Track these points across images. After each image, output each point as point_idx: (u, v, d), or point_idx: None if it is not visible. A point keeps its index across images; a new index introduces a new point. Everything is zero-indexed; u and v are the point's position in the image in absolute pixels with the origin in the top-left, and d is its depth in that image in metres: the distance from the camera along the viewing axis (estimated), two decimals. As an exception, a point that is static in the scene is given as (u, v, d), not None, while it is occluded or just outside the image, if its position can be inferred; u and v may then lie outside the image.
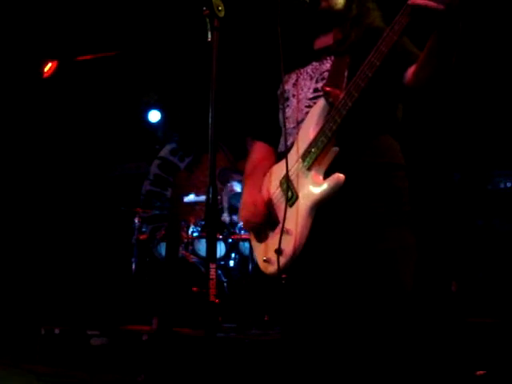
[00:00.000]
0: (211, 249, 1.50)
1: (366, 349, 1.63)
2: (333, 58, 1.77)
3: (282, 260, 1.69)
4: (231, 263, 4.99)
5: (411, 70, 1.63)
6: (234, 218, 5.01)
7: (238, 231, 4.95)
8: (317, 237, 1.67)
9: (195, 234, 5.11)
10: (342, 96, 1.63)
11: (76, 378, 3.93)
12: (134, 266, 5.16)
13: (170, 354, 3.87)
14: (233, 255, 4.98)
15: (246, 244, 4.80)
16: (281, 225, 1.70)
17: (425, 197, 4.34)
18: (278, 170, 1.81)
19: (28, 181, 5.92)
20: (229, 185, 5.22)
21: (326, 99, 1.68)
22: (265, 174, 1.89)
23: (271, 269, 1.74)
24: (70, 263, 5.79)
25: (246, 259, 4.73)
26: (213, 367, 1.49)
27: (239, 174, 5.26)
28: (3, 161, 5.71)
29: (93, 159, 6.34)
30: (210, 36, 1.57)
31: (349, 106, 1.60)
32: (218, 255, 4.85)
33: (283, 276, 1.77)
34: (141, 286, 5.10)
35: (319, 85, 1.76)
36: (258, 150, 2.00)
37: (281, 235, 1.69)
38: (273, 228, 1.78)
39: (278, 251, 1.69)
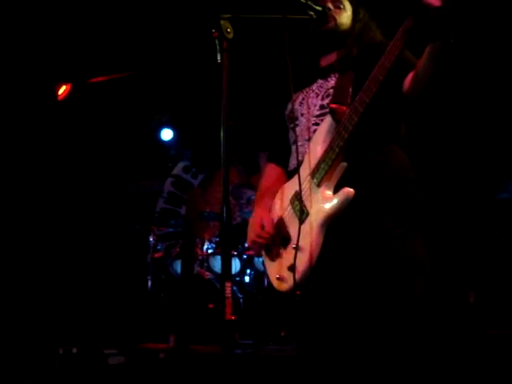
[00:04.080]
0: (226, 267, 1.51)
1: (384, 364, 1.62)
2: (337, 75, 1.80)
3: (296, 277, 1.69)
4: (246, 279, 4.98)
5: (409, 78, 1.66)
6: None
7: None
8: (329, 253, 1.67)
9: (210, 251, 5.12)
10: (347, 112, 1.66)
11: (94, 398, 3.93)
12: (149, 284, 5.18)
13: (187, 372, 3.85)
14: (248, 271, 4.97)
15: (261, 259, 4.79)
16: (293, 242, 1.71)
17: (441, 208, 4.32)
18: (289, 189, 1.83)
19: (44, 200, 5.99)
20: (242, 201, 5.22)
21: (333, 116, 1.70)
22: (275, 195, 1.90)
23: (285, 286, 1.74)
24: (86, 282, 5.82)
25: (261, 275, 4.72)
26: (230, 384, 1.49)
27: (252, 189, 5.27)
28: (19, 180, 5.79)
29: (107, 178, 6.40)
30: (219, 57, 1.60)
31: (355, 121, 1.62)
32: (234, 271, 4.85)
33: (297, 292, 1.78)
34: (157, 304, 5.10)
35: (325, 101, 1.79)
36: (269, 172, 2.02)
37: (295, 252, 1.68)
38: (285, 246, 1.79)
39: (292, 268, 1.68)
